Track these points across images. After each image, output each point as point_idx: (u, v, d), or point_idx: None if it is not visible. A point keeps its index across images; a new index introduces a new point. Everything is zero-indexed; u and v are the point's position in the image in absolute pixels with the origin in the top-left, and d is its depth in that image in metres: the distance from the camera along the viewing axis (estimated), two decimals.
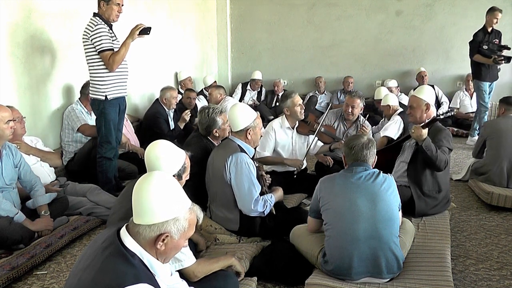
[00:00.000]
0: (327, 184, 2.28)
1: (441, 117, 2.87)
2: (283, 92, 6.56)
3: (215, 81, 6.74)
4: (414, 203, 2.92)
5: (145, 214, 1.34)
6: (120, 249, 1.33)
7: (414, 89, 5.57)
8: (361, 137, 2.31)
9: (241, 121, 2.70)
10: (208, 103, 5.24)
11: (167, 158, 1.98)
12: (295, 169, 3.59)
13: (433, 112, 3.12)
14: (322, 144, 3.89)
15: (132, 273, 1.27)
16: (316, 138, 3.77)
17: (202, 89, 6.63)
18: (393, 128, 4.44)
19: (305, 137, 3.78)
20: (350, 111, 4.02)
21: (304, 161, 3.77)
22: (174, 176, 1.97)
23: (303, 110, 3.62)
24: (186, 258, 1.91)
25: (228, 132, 3.16)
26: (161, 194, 1.35)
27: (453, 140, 5.86)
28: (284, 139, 3.69)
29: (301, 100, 3.66)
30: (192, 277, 1.91)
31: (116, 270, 1.27)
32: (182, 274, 1.86)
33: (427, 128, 2.84)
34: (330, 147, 3.83)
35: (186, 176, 2.09)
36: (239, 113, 2.72)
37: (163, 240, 1.35)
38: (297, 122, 3.70)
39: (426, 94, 3.09)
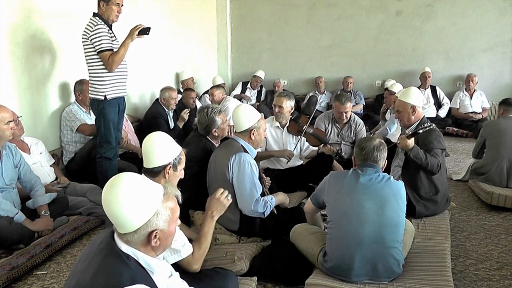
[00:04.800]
0: (336, 181, 2.25)
1: (420, 131, 2.84)
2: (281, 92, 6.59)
3: (224, 83, 6.77)
4: (413, 206, 2.91)
5: (125, 224, 1.33)
6: (116, 250, 1.33)
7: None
8: (373, 140, 2.29)
9: (245, 121, 2.71)
10: (212, 102, 5.26)
11: (163, 145, 2.03)
12: (286, 160, 3.64)
13: (421, 113, 3.12)
14: (314, 149, 3.92)
15: (129, 274, 1.27)
16: (304, 139, 3.80)
17: (208, 90, 6.64)
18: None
19: (296, 137, 3.81)
20: (344, 116, 4.05)
21: (298, 159, 3.85)
22: (169, 165, 2.02)
23: (279, 114, 3.71)
24: (184, 248, 1.91)
25: (228, 132, 3.17)
26: (131, 201, 1.32)
27: (453, 140, 6.05)
28: (274, 138, 3.78)
29: (279, 103, 3.71)
30: (192, 269, 1.92)
31: (113, 271, 1.28)
32: (182, 265, 1.88)
33: (412, 138, 2.83)
34: (318, 151, 3.85)
35: (181, 169, 2.10)
36: (244, 114, 2.73)
37: (155, 236, 1.36)
38: (288, 122, 3.77)
39: (411, 96, 3.10)
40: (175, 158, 2.05)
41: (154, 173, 2.00)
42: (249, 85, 7.50)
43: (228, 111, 5.00)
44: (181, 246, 1.90)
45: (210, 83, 7.28)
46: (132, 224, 1.33)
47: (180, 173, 2.11)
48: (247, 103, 7.06)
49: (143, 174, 1.93)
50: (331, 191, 2.25)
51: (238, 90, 7.45)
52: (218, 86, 5.53)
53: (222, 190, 2.12)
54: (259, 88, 7.55)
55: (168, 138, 2.09)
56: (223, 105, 5.18)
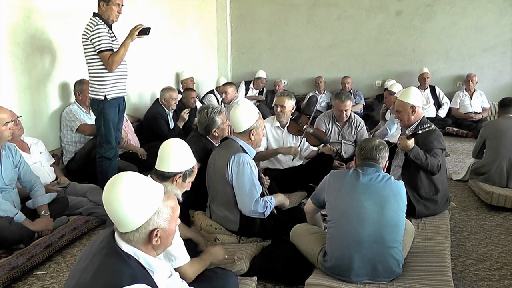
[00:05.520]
0: (337, 180, 2.26)
1: (420, 132, 2.85)
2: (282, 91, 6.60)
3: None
4: (413, 205, 2.91)
5: (126, 223, 1.33)
6: (116, 249, 1.33)
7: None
8: (373, 140, 2.31)
9: (244, 122, 2.70)
10: (224, 101, 5.26)
11: (180, 153, 2.07)
12: (292, 157, 3.64)
13: (421, 113, 3.12)
14: (314, 149, 3.92)
15: (129, 273, 1.28)
16: (304, 139, 3.81)
17: (213, 89, 6.65)
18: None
19: (296, 137, 3.81)
20: (344, 115, 4.05)
21: (298, 159, 3.85)
22: (180, 174, 2.04)
23: (280, 113, 3.71)
24: (181, 256, 1.91)
25: (228, 132, 3.17)
26: (132, 199, 1.32)
27: (453, 140, 6.05)
28: (274, 138, 3.79)
29: (281, 102, 3.71)
30: (186, 279, 1.91)
31: (114, 270, 1.28)
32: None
33: (412, 139, 2.84)
34: (318, 151, 3.85)
35: (190, 181, 2.13)
36: (242, 114, 2.71)
37: (156, 235, 1.36)
38: (288, 121, 3.77)
39: (411, 96, 3.11)
40: (188, 170, 2.08)
41: (163, 177, 2.01)
42: (251, 85, 7.50)
43: None
44: (179, 253, 1.90)
45: (210, 83, 7.30)
46: (133, 222, 1.33)
47: (188, 185, 2.12)
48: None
49: (151, 175, 1.94)
50: (331, 190, 2.25)
51: (242, 90, 7.44)
52: (231, 83, 5.50)
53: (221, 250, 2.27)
54: (261, 89, 7.56)
55: (187, 148, 2.12)
56: (232, 105, 5.15)
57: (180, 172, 2.05)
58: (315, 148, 3.90)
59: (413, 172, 2.96)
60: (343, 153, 4.06)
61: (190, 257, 1.97)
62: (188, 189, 2.14)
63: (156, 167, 2.08)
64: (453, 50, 7.06)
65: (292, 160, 3.68)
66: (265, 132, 2.93)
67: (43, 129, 3.82)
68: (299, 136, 3.77)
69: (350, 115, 4.14)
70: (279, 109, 3.74)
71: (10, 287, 2.44)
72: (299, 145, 3.76)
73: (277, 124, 3.77)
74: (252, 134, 2.72)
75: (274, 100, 3.78)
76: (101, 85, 3.37)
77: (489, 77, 6.92)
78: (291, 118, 3.81)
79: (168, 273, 1.57)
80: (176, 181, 2.03)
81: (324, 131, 4.13)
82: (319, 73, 7.55)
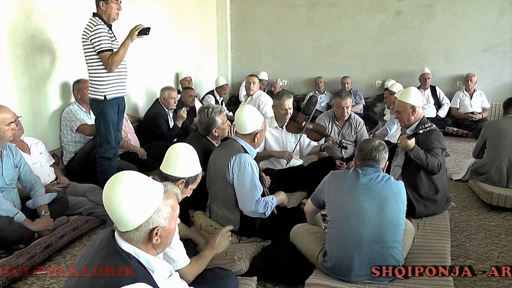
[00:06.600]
0: (336, 180, 2.26)
1: (421, 131, 2.85)
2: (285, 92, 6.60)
3: (227, 84, 6.81)
4: (413, 205, 2.91)
5: (126, 222, 1.33)
6: (116, 249, 1.34)
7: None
8: (373, 141, 2.31)
9: (251, 126, 2.71)
10: (247, 91, 5.26)
11: (186, 159, 2.07)
12: (286, 161, 3.63)
13: (421, 113, 3.12)
14: (315, 144, 3.91)
15: (130, 272, 1.27)
16: (305, 136, 3.79)
17: (212, 90, 6.64)
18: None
19: (296, 136, 3.80)
20: (345, 112, 4.04)
21: (298, 159, 3.84)
22: (183, 180, 2.04)
23: (287, 116, 3.68)
24: (180, 259, 1.91)
25: (228, 132, 3.17)
26: (132, 198, 1.32)
27: (453, 140, 6.06)
28: (273, 138, 3.77)
29: (290, 105, 3.67)
30: (185, 281, 1.91)
31: (114, 270, 1.27)
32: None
33: (413, 138, 2.84)
34: (321, 147, 3.85)
35: (192, 188, 2.14)
36: (250, 117, 2.72)
37: (156, 233, 1.36)
38: (286, 121, 3.76)
39: (411, 96, 3.10)
40: (192, 177, 2.09)
41: (166, 180, 2.01)
42: None
43: (264, 106, 5.01)
44: (178, 257, 1.90)
45: (210, 83, 7.30)
46: (134, 221, 1.33)
47: (189, 192, 2.13)
48: None
49: (153, 176, 1.94)
50: (331, 190, 2.25)
51: (243, 90, 7.42)
52: (256, 76, 5.53)
53: (228, 229, 2.29)
54: (262, 90, 7.56)
55: (194, 155, 2.13)
56: (258, 98, 5.15)
57: (183, 178, 2.05)
58: (317, 144, 3.89)
59: (413, 172, 2.96)
60: (343, 153, 4.06)
61: (190, 257, 1.97)
62: (189, 196, 2.14)
63: (160, 168, 2.08)
64: (453, 50, 7.06)
65: (286, 164, 3.67)
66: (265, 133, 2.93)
67: (43, 129, 3.81)
68: (299, 134, 3.76)
69: (350, 115, 4.14)
70: (290, 111, 3.67)
71: (10, 287, 2.44)
72: (298, 142, 3.75)
73: (275, 124, 3.76)
74: (256, 137, 2.74)
75: (278, 103, 3.68)
76: (100, 85, 3.37)
77: (489, 77, 6.92)
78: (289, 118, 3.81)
79: (168, 272, 1.57)
80: (178, 186, 2.03)
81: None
82: (319, 73, 7.55)
